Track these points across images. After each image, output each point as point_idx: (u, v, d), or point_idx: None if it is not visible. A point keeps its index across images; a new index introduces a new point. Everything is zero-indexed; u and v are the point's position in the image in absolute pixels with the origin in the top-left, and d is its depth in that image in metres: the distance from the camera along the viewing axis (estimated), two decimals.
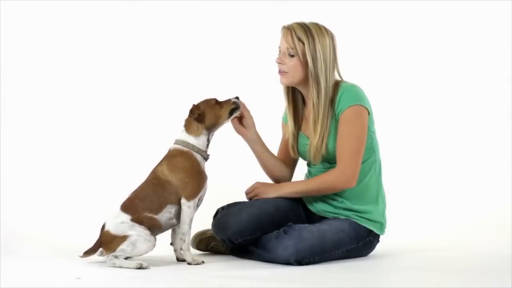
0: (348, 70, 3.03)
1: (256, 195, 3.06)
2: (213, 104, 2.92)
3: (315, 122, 2.94)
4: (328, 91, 2.93)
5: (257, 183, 3.09)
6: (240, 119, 3.03)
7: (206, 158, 2.92)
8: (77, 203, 3.76)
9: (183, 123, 2.93)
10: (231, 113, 2.94)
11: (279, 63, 2.97)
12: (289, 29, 2.95)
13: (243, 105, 3.00)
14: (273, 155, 3.13)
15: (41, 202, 3.76)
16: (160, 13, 4.11)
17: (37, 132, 3.94)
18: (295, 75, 2.95)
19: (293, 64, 2.94)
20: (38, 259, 3.00)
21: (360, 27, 4.08)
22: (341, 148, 2.92)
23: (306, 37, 2.92)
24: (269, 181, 3.16)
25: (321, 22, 2.97)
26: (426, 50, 4.13)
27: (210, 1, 4.12)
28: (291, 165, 3.16)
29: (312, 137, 2.96)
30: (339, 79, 2.99)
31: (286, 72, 2.96)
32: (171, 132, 2.98)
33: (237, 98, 2.96)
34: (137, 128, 4.00)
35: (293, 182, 3.12)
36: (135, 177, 2.93)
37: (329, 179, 2.95)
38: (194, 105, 2.90)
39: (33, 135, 3.94)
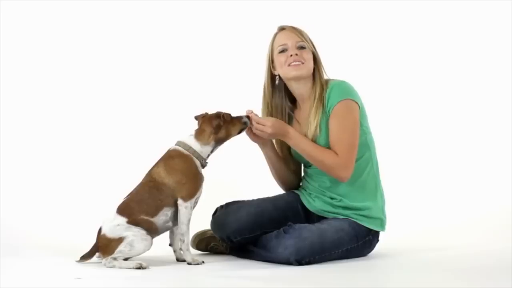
0: (347, 68, 3.03)
1: (259, 130, 2.90)
2: (229, 119, 2.91)
3: (314, 116, 2.93)
4: (324, 87, 2.95)
5: (275, 121, 2.92)
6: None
7: (204, 165, 2.91)
8: (77, 203, 3.76)
9: (195, 128, 2.90)
10: (239, 132, 2.94)
11: (295, 54, 2.94)
12: (290, 27, 2.98)
13: (255, 116, 2.93)
14: (282, 159, 3.11)
15: (41, 202, 3.77)
16: (160, 13, 4.10)
17: (37, 133, 3.95)
18: (310, 66, 2.96)
19: (307, 55, 2.95)
20: (38, 259, 3.01)
21: (361, 26, 4.08)
22: (335, 142, 2.90)
23: (302, 35, 2.97)
24: (276, 185, 3.16)
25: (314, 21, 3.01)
26: (425, 48, 4.13)
27: (212, 1, 4.11)
28: (298, 168, 3.15)
29: (312, 130, 2.94)
30: (327, 77, 3.00)
31: (303, 63, 2.94)
32: (168, 134, 2.98)
33: (247, 117, 2.92)
34: (137, 127, 3.99)
35: (303, 138, 2.94)
36: (135, 177, 2.93)
37: (328, 162, 2.90)
38: (223, 112, 2.89)
39: (33, 135, 3.94)
